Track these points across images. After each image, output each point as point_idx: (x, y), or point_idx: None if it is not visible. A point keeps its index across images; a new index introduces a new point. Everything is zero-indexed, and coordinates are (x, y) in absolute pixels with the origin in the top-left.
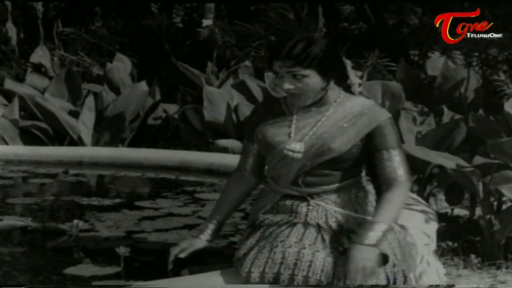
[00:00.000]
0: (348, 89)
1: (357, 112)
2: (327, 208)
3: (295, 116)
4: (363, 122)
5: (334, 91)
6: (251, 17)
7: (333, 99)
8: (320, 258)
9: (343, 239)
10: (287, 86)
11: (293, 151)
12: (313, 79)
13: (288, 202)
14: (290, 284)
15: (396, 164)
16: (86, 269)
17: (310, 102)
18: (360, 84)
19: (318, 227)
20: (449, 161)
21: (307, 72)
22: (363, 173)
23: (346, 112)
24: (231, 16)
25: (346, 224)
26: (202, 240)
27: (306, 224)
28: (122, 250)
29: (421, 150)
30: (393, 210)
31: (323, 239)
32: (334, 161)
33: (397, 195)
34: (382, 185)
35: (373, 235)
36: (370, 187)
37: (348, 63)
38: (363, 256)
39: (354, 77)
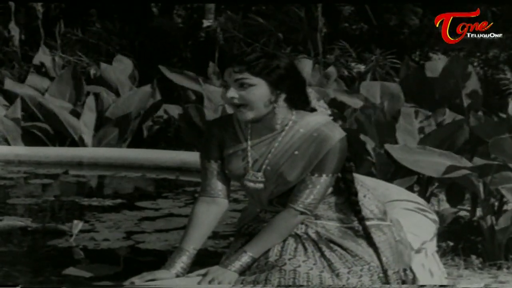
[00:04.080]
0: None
1: (306, 136)
2: (305, 222)
3: (249, 144)
4: (314, 149)
5: (285, 112)
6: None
7: (285, 122)
8: (302, 274)
9: (323, 248)
10: (231, 94)
11: (253, 181)
12: (260, 89)
13: (268, 215)
14: None
15: (314, 189)
16: (85, 270)
17: (253, 116)
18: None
19: (298, 237)
20: (447, 163)
21: (255, 81)
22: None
23: (296, 136)
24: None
25: (326, 234)
26: (170, 273)
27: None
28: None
29: (423, 149)
30: (269, 241)
31: (304, 248)
32: None
33: (282, 222)
34: (288, 201)
35: (238, 264)
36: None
37: (313, 93)
38: (221, 276)
39: (315, 103)
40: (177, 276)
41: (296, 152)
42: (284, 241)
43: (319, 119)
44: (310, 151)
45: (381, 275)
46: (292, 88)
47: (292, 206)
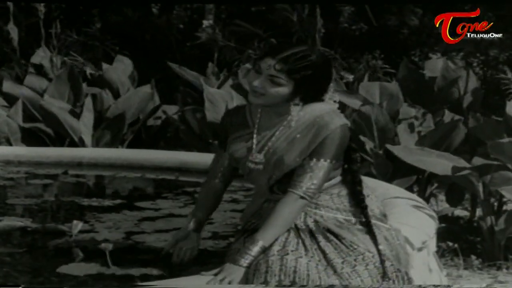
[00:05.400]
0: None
1: (309, 122)
2: (305, 210)
3: (256, 127)
4: (313, 134)
5: (296, 106)
6: (252, 19)
7: (293, 109)
8: (303, 264)
9: (319, 238)
10: (257, 83)
11: (254, 163)
12: (285, 89)
13: (272, 205)
14: None
15: (313, 174)
16: (80, 268)
17: (263, 103)
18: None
19: (297, 230)
20: (447, 163)
21: (286, 82)
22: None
23: (300, 121)
24: (232, 17)
25: (324, 223)
26: (185, 230)
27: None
28: (106, 246)
29: (422, 150)
30: (276, 227)
31: (304, 244)
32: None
33: (284, 207)
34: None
35: (249, 258)
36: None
37: (332, 87)
38: (233, 274)
39: (329, 97)
40: (193, 231)
41: (298, 136)
42: (288, 233)
43: (324, 106)
44: (310, 135)
45: (377, 264)
46: (312, 92)
47: (291, 191)
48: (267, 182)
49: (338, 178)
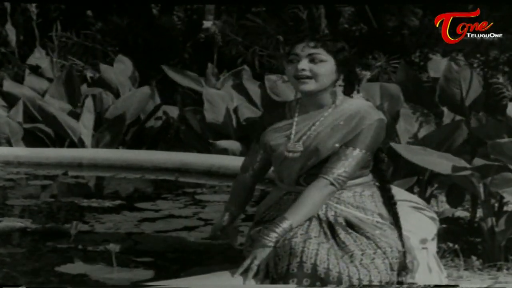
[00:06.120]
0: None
1: (352, 111)
2: (327, 203)
3: (296, 119)
4: (355, 123)
5: (335, 93)
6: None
7: (333, 101)
8: (325, 248)
9: (339, 230)
10: (303, 66)
11: (291, 151)
12: (329, 66)
13: (292, 197)
14: (299, 272)
15: (346, 162)
16: (81, 268)
17: (314, 88)
18: (358, 91)
19: (319, 220)
20: (449, 163)
21: (327, 57)
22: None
23: (343, 111)
24: (238, 15)
25: (344, 217)
26: (220, 224)
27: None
28: (113, 247)
29: (424, 150)
30: (304, 209)
31: (325, 233)
32: None
33: (314, 190)
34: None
35: (274, 236)
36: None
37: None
38: (259, 254)
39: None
40: (228, 224)
41: (342, 123)
42: (310, 221)
43: (365, 102)
44: (351, 123)
45: (394, 260)
46: (350, 72)
47: (322, 176)
48: (298, 170)
49: (364, 179)
